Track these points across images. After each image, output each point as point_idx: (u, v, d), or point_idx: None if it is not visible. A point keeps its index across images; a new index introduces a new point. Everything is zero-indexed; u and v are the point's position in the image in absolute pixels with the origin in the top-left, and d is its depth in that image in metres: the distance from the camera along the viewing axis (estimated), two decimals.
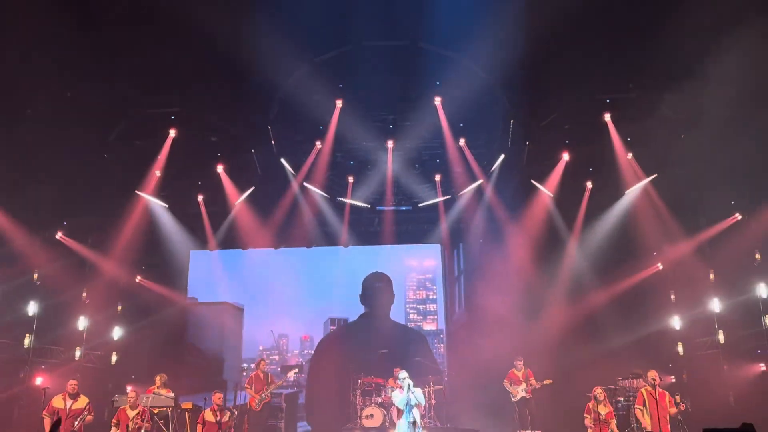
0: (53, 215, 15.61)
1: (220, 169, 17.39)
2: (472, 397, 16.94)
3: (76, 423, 12.26)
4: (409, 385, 12.01)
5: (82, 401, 12.55)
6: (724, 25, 12.28)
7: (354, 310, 19.88)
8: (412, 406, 11.92)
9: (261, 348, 19.17)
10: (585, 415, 12.79)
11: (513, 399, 14.96)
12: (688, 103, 14.29)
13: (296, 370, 18.32)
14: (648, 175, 16.36)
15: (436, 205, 18.87)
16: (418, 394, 12.19)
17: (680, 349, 16.26)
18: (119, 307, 17.52)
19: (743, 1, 12.09)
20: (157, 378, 14.43)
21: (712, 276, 15.74)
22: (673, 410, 12.76)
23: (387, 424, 14.62)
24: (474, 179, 17.87)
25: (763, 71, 12.36)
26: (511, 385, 15.00)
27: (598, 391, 12.74)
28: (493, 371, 15.98)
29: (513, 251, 18.05)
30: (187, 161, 17.08)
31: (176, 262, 18.95)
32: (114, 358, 16.86)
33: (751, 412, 12.92)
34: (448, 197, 18.80)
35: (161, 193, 17.39)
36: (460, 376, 18.29)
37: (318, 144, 17.19)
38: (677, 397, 13.72)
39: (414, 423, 11.88)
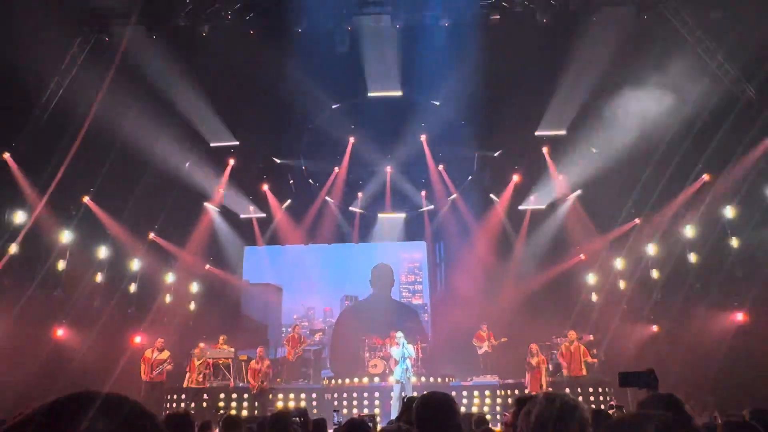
0: (147, 221, 15.71)
1: (265, 187, 17.74)
2: (449, 351, 16.86)
3: (156, 369, 12.71)
4: (403, 342, 12.54)
5: (165, 354, 12.93)
6: (620, 87, 12.84)
7: (362, 290, 19.71)
8: (405, 358, 12.38)
9: (295, 317, 18.99)
10: (525, 366, 13.11)
11: (479, 352, 15.13)
12: (598, 139, 14.61)
13: (321, 333, 18.56)
14: (573, 192, 16.65)
15: (422, 213, 18.99)
16: (409, 349, 12.68)
17: (596, 315, 15.99)
18: (194, 287, 17.57)
19: (630, 69, 12.59)
20: (221, 338, 14.75)
21: (618, 263, 15.94)
22: (588, 359, 13.24)
23: (387, 371, 14.45)
24: (449, 194, 18.03)
25: (646, 118, 12.85)
26: (477, 342, 15.19)
27: (532, 346, 13.09)
28: (464, 333, 15.97)
29: (477, 247, 18.08)
30: (242, 182, 17.41)
31: (234, 254, 18.85)
32: (191, 323, 16.94)
33: (648, 360, 13.46)
34: (430, 207, 18.88)
35: (223, 204, 17.62)
36: (440, 337, 18.11)
37: (336, 169, 17.50)
38: (594, 351, 14.21)
39: (406, 370, 12.33)
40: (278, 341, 17.94)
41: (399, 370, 12.26)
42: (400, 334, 12.74)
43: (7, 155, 11.85)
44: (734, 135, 11.98)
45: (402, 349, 12.32)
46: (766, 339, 11.51)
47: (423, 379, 14.25)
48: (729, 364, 11.59)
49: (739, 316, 12.50)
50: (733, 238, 12.89)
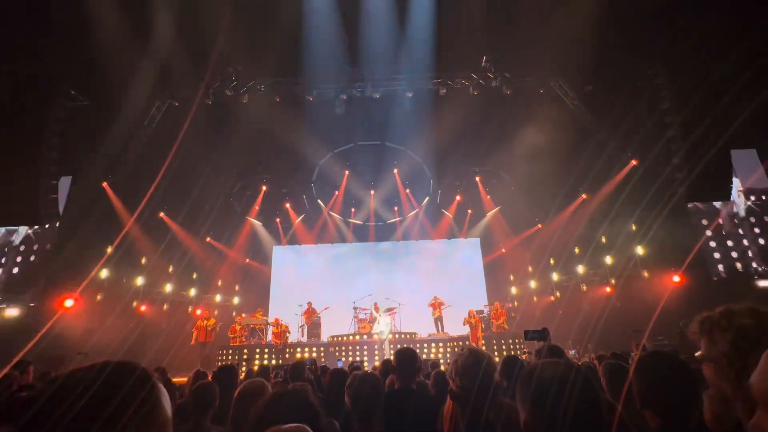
0: (204, 229, 15.43)
1: (287, 205, 17.61)
2: (415, 316, 16.39)
3: (208, 331, 12.57)
4: (383, 316, 12.57)
5: (212, 321, 12.77)
6: (526, 135, 12.76)
7: (355, 275, 19.02)
8: (386, 324, 12.50)
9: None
10: (464, 323, 13.18)
11: (433, 317, 14.84)
12: (512, 171, 14.90)
13: (327, 308, 18.43)
14: (497, 206, 16.87)
15: (395, 222, 18.90)
16: (386, 319, 12.73)
17: (513, 291, 16.61)
18: (238, 274, 17.34)
19: (533, 123, 12.55)
20: (259, 310, 14.54)
21: (528, 255, 16.08)
22: (505, 317, 13.35)
23: (371, 332, 14.52)
24: (413, 209, 18.06)
25: (542, 155, 12.86)
26: (431, 309, 14.90)
27: (470, 311, 13.20)
28: (424, 303, 15.57)
29: (434, 244, 18.19)
30: (271, 202, 17.25)
31: (266, 252, 18.66)
32: (236, 300, 16.78)
33: (548, 320, 13.68)
34: (400, 218, 18.79)
35: (259, 217, 17.45)
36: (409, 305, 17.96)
37: (336, 192, 17.40)
38: (512, 314, 14.40)
39: (382, 332, 12.46)
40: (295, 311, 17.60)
41: (379, 327, 12.24)
42: (382, 306, 12.72)
43: (105, 184, 11.70)
44: (602, 168, 12.39)
45: (383, 317, 12.33)
46: (624, 304, 11.81)
47: (397, 336, 14.23)
48: (601, 321, 11.83)
49: (608, 289, 12.82)
50: (603, 236, 13.20)
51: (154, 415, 0.83)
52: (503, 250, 17.35)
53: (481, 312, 14.52)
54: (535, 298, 15.34)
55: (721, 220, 19.82)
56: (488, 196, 16.69)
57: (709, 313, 1.08)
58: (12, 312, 11.35)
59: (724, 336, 1.01)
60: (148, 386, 0.84)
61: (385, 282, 19.63)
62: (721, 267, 19.20)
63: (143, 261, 12.80)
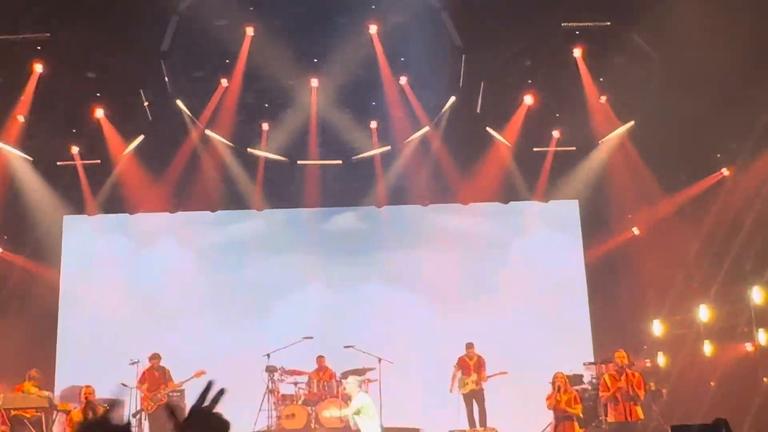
0: None
1: (100, 113, 16.92)
2: (413, 387, 16.68)
3: None
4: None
5: None
6: None
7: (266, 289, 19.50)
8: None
9: None
10: (548, 406, 13.34)
11: (460, 391, 15.27)
12: (664, 33, 14.58)
13: (203, 372, 18.17)
14: (624, 123, 16.65)
15: (371, 158, 18.67)
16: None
17: (656, 328, 16.60)
18: None
19: None
20: (28, 374, 14.38)
21: (694, 242, 16.07)
22: (642, 393, 13.49)
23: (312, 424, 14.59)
24: (418, 126, 17.75)
25: None
26: (458, 374, 15.32)
27: (557, 376, 13.26)
28: (439, 352, 16.28)
29: (464, 216, 18.36)
30: (59, 103, 16.64)
31: (46, 229, 18.30)
32: None
33: (733, 399, 13.88)
34: (386, 149, 18.59)
35: (25, 144, 16.92)
36: (400, 361, 16.45)
37: (224, 81, 16.82)
38: (652, 384, 14.49)
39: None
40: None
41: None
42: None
43: None
44: None
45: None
46: None
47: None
48: None
49: None
50: None
51: None
52: (634, 231, 17.66)
53: (580, 377, 14.87)
54: (709, 349, 15.48)
55: None
56: (603, 98, 16.48)
57: None
58: None
59: None
60: None
61: (343, 303, 19.85)
62: None
63: None
